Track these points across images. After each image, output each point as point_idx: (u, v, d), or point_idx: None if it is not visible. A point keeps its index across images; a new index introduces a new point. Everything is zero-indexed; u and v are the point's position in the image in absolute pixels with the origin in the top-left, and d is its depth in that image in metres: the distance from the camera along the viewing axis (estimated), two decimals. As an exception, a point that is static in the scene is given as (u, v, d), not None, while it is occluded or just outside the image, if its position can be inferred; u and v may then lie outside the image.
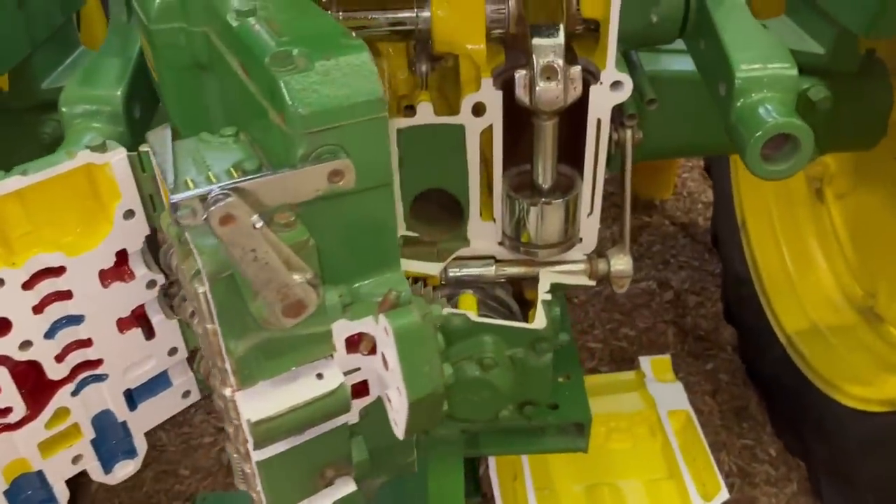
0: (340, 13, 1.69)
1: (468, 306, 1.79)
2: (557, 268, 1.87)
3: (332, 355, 1.01)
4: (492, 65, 1.72)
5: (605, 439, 2.69)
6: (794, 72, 1.47)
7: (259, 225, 0.88)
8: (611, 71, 1.64)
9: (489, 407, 1.78)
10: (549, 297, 1.81)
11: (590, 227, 1.87)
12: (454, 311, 1.73)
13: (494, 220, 1.85)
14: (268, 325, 0.93)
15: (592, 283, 1.88)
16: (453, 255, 1.87)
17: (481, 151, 1.78)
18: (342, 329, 1.01)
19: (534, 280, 1.87)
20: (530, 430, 2.08)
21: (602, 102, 1.68)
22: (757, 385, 3.18)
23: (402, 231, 1.86)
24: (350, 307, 1.02)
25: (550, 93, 1.59)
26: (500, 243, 1.87)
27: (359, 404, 1.10)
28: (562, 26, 1.60)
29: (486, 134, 1.72)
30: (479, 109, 1.70)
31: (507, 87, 1.66)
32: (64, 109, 1.52)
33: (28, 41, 1.90)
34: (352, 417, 1.07)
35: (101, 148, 1.17)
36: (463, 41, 1.69)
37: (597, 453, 2.55)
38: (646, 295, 3.55)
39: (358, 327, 1.02)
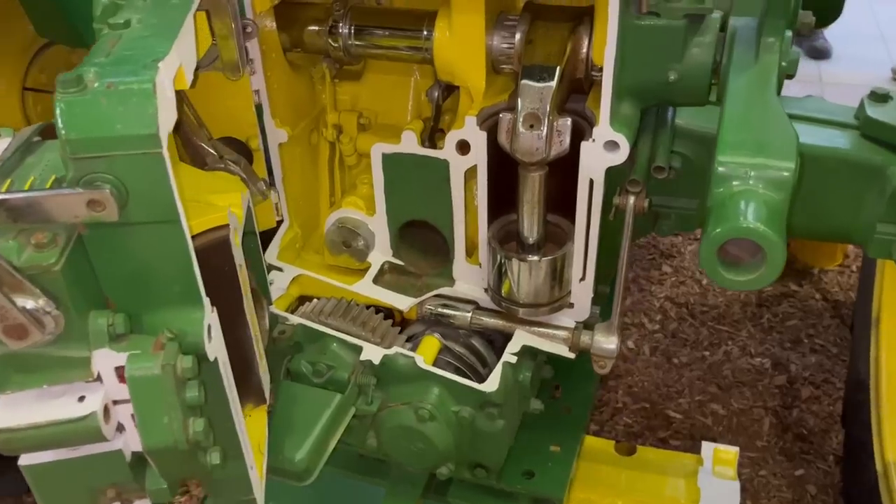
0: (352, 28, 1.65)
1: (426, 349, 1.69)
2: (536, 329, 1.70)
3: (101, 381, 1.00)
4: (494, 101, 1.59)
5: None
6: (788, 171, 1.20)
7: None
8: (604, 128, 1.45)
9: (425, 459, 1.68)
10: (513, 359, 1.65)
11: (582, 293, 1.68)
12: (403, 351, 1.64)
13: (480, 265, 1.73)
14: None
15: (571, 355, 1.69)
16: (433, 292, 1.77)
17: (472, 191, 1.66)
18: (108, 358, 0.99)
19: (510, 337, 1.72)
20: (502, 491, 1.94)
21: (593, 162, 1.49)
22: (847, 511, 2.70)
23: (387, 257, 1.80)
24: (125, 338, 1.00)
25: (529, 142, 1.44)
26: (486, 290, 1.74)
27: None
28: (558, 70, 1.44)
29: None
30: (463, 147, 1.58)
31: (495, 127, 1.52)
32: None
33: None
34: (117, 445, 1.05)
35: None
36: (461, 72, 1.58)
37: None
38: (754, 373, 3.13)
39: (124, 360, 0.99)
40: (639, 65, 1.43)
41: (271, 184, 1.76)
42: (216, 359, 1.10)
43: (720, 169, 1.23)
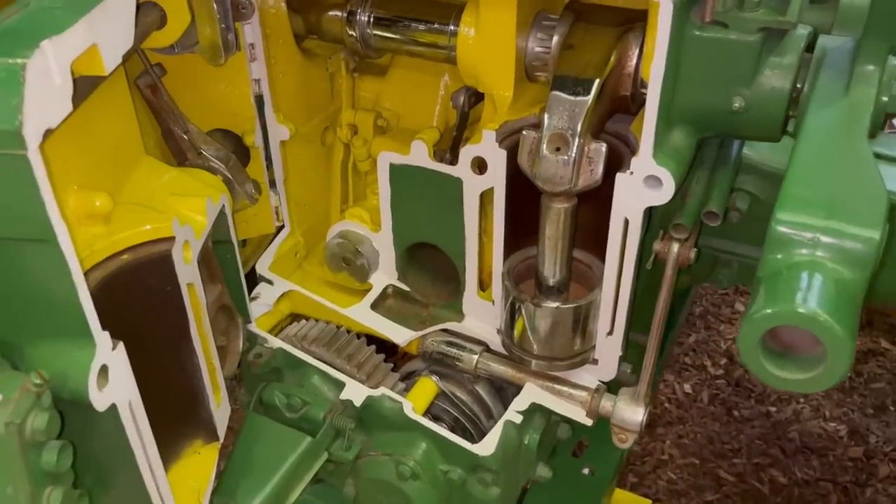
0: (372, 16, 1.43)
1: (420, 394, 1.46)
2: (550, 386, 1.45)
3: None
4: (522, 114, 1.35)
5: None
6: (870, 244, 0.91)
7: None
8: (645, 159, 1.18)
9: (405, 519, 1.45)
10: (517, 418, 1.41)
11: (609, 349, 1.41)
12: (390, 393, 1.42)
13: (493, 301, 1.48)
14: None
15: (588, 421, 1.43)
16: (438, 326, 1.54)
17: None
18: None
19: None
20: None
21: (630, 199, 1.22)
22: None
23: (391, 280, 1.58)
24: (-3, 372, 0.82)
25: (553, 168, 1.19)
26: (498, 331, 1.49)
27: None
28: (597, 83, 1.18)
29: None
30: (479, 166, 1.34)
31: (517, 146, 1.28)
32: None
33: None
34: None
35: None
36: (486, 76, 1.34)
37: None
38: (826, 439, 2.77)
39: (-15, 398, 0.81)
40: (696, 86, 1.16)
41: (272, 185, 1.57)
42: (113, 407, 0.91)
43: (779, 229, 0.96)
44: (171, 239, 1.08)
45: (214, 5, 1.20)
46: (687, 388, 3.04)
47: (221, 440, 1.29)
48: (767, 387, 3.01)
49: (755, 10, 1.13)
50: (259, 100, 1.47)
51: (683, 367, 3.15)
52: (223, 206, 1.29)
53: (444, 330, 1.54)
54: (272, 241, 1.63)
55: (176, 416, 1.19)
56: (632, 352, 1.52)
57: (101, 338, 0.86)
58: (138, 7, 1.03)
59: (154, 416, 1.12)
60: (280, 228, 1.63)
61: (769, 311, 0.90)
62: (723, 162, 1.35)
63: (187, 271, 1.13)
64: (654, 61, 1.10)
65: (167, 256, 1.07)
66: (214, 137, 1.47)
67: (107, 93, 1.09)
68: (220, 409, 1.27)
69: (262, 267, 1.58)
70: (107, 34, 0.86)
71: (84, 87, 0.95)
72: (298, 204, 1.62)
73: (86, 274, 0.90)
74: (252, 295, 1.55)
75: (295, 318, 1.62)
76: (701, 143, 1.29)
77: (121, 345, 0.92)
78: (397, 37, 1.44)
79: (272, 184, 1.57)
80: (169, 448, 1.20)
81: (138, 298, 1.07)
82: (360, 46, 1.48)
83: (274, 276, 1.58)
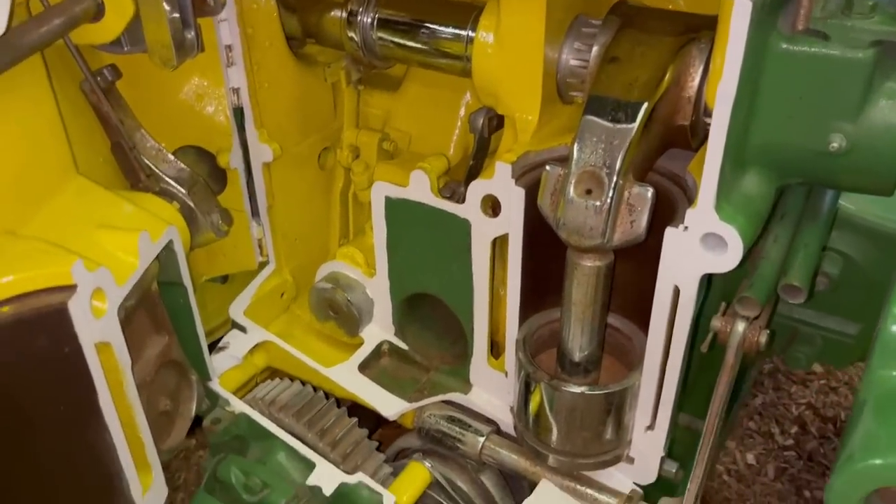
0: (375, 18, 1.18)
1: (407, 483, 1.18)
2: (571, 485, 1.14)
3: None
4: (550, 143, 1.07)
5: None
6: None
7: None
8: (705, 212, 0.88)
9: None
10: (527, 527, 1.11)
11: (649, 446, 1.11)
12: (368, 482, 1.14)
13: (507, 373, 1.20)
14: None
15: (617, 539, 1.12)
16: (439, 397, 1.26)
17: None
18: None
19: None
20: None
21: (682, 262, 0.93)
22: None
23: (386, 335, 1.31)
24: None
25: (580, 216, 0.91)
26: (512, 410, 1.20)
27: None
28: (645, 107, 0.90)
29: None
30: (492, 206, 1.06)
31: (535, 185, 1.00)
32: None
33: None
34: None
35: None
36: (507, 94, 1.07)
37: None
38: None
39: None
40: (780, 116, 0.86)
41: (254, 214, 1.33)
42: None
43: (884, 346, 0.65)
44: (70, 288, 0.83)
45: (162, -6, 0.96)
46: (750, 458, 2.67)
47: (146, 533, 1.03)
48: (845, 465, 2.62)
49: (867, 18, 0.83)
50: (238, 112, 1.23)
51: (747, 433, 2.77)
52: (170, 241, 1.04)
53: (447, 402, 1.26)
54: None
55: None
56: (681, 439, 1.21)
57: None
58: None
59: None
60: (264, 264, 1.38)
61: (883, 460, 0.60)
62: (812, 217, 1.03)
63: (97, 327, 0.88)
64: (722, 80, 0.80)
65: (62, 310, 0.83)
66: (185, 156, 1.23)
67: (4, 93, 0.86)
68: (147, 496, 1.01)
69: (235, 310, 1.33)
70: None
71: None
72: (287, 237, 1.37)
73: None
74: (220, 345, 1.31)
75: (275, 373, 1.37)
76: (782, 192, 0.98)
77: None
78: (404, 42, 1.18)
79: (254, 212, 1.32)
80: (72, 545, 0.96)
81: (22, 363, 0.83)
82: (362, 53, 1.23)
83: (249, 322, 1.33)
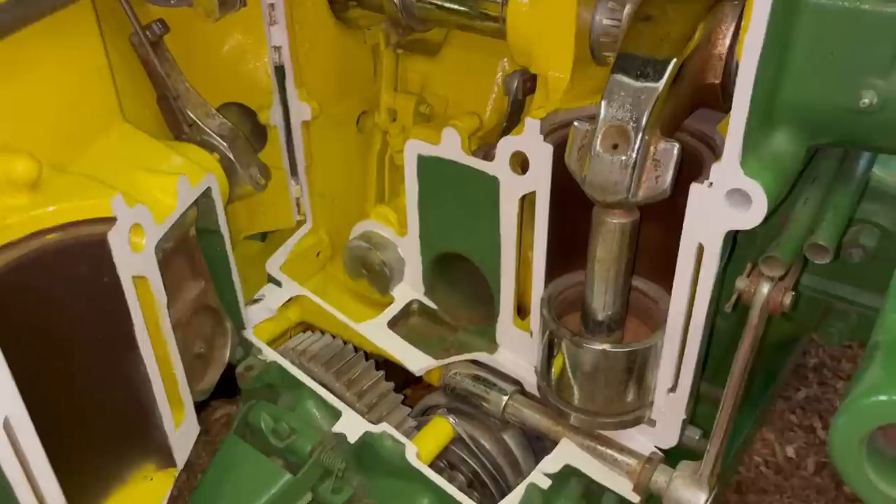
0: (414, -20, 1.20)
1: (430, 436, 1.21)
2: (591, 444, 1.15)
3: None
4: (581, 102, 1.07)
5: None
6: None
7: None
8: (729, 167, 0.88)
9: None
10: (545, 482, 1.12)
11: (670, 408, 1.11)
12: (392, 432, 1.17)
13: (532, 333, 1.21)
14: None
15: (635, 498, 1.13)
16: (465, 356, 1.28)
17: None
18: None
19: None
20: None
21: (706, 218, 0.93)
22: None
23: (416, 294, 1.33)
24: None
25: (605, 171, 0.91)
26: (536, 369, 1.22)
27: None
28: (673, 63, 0.90)
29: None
30: (521, 163, 1.08)
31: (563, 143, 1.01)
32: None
33: None
34: None
35: None
36: (540, 53, 1.08)
37: None
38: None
39: None
40: (810, 72, 0.85)
41: (293, 172, 1.36)
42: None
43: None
44: (110, 220, 0.87)
45: (206, -56, 1.00)
46: (790, 451, 2.62)
47: (181, 466, 1.08)
48: (889, 462, 2.56)
49: (903, -31, 0.81)
50: (280, 71, 1.26)
51: (788, 426, 2.72)
52: (209, 188, 1.08)
53: (473, 361, 1.28)
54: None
55: (115, 435, 0.99)
56: (707, 411, 1.21)
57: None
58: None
59: (82, 433, 0.93)
60: (301, 223, 1.42)
61: (883, 397, 0.60)
62: (843, 181, 1.02)
63: (135, 261, 0.92)
64: (748, 31, 0.80)
65: (102, 241, 0.87)
66: (228, 112, 1.27)
67: (58, 39, 0.91)
68: (179, 430, 1.06)
69: (272, 265, 1.37)
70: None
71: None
72: (324, 196, 1.40)
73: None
74: (255, 297, 1.35)
75: (308, 328, 1.41)
76: (814, 154, 0.97)
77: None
78: (442, 4, 1.20)
79: (293, 171, 1.36)
80: (106, 470, 1.01)
81: (64, 289, 0.88)
82: (401, 15, 1.25)
83: (284, 276, 1.37)
